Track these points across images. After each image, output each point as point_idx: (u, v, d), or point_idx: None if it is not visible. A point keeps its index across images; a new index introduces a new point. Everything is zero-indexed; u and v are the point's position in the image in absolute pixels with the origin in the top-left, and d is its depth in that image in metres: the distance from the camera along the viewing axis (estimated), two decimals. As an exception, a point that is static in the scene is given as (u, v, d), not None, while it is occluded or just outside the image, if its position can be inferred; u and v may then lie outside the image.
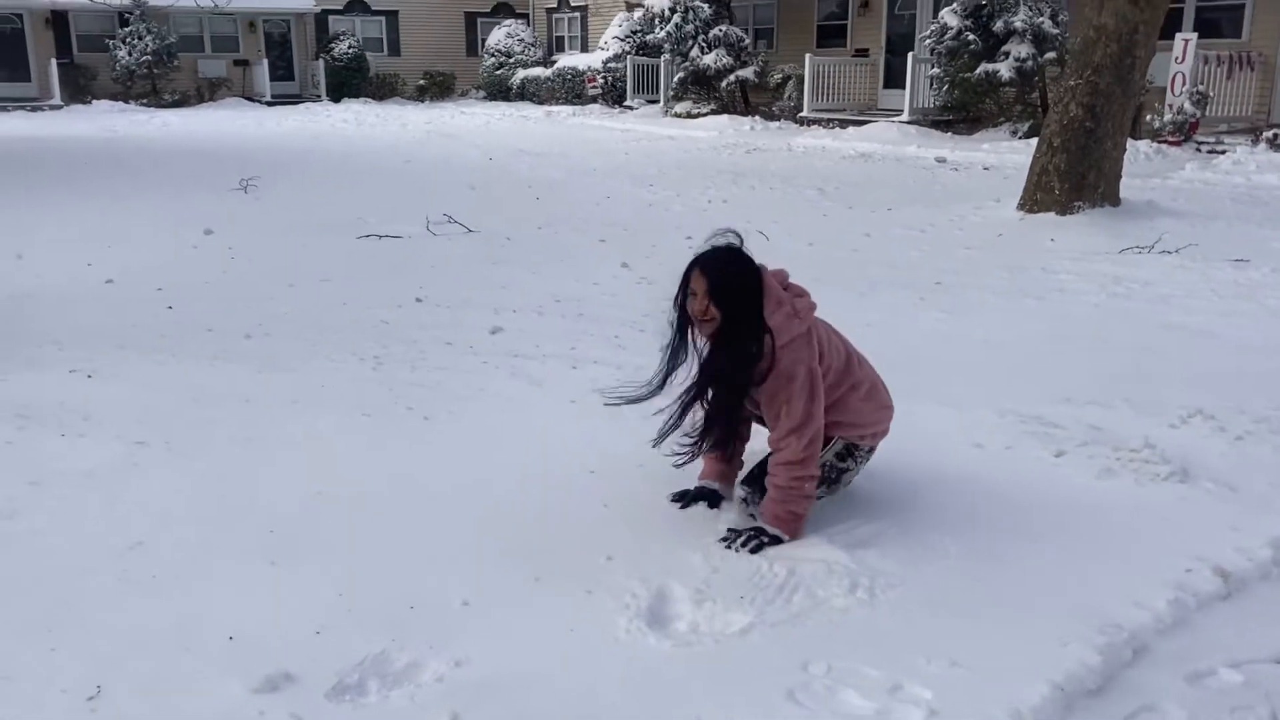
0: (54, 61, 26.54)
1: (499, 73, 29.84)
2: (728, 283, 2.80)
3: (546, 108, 26.06)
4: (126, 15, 26.59)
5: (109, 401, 4.05)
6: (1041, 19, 15.57)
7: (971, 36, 15.80)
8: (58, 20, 27.40)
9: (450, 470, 3.41)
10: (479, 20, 32.80)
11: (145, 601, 2.54)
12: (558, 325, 5.41)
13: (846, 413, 2.98)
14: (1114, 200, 8.74)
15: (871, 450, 3.12)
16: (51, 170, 12.86)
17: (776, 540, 2.81)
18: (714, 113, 21.19)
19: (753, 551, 2.77)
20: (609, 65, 25.81)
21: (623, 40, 25.35)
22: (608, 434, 3.63)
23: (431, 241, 7.87)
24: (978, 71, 15.79)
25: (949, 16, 16.09)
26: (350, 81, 29.56)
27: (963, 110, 16.83)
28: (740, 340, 2.80)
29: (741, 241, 2.89)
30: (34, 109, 25.34)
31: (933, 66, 16.92)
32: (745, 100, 21.81)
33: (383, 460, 3.51)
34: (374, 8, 31.75)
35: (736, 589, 2.58)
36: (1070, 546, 2.85)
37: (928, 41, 16.83)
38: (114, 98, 26.59)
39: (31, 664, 2.28)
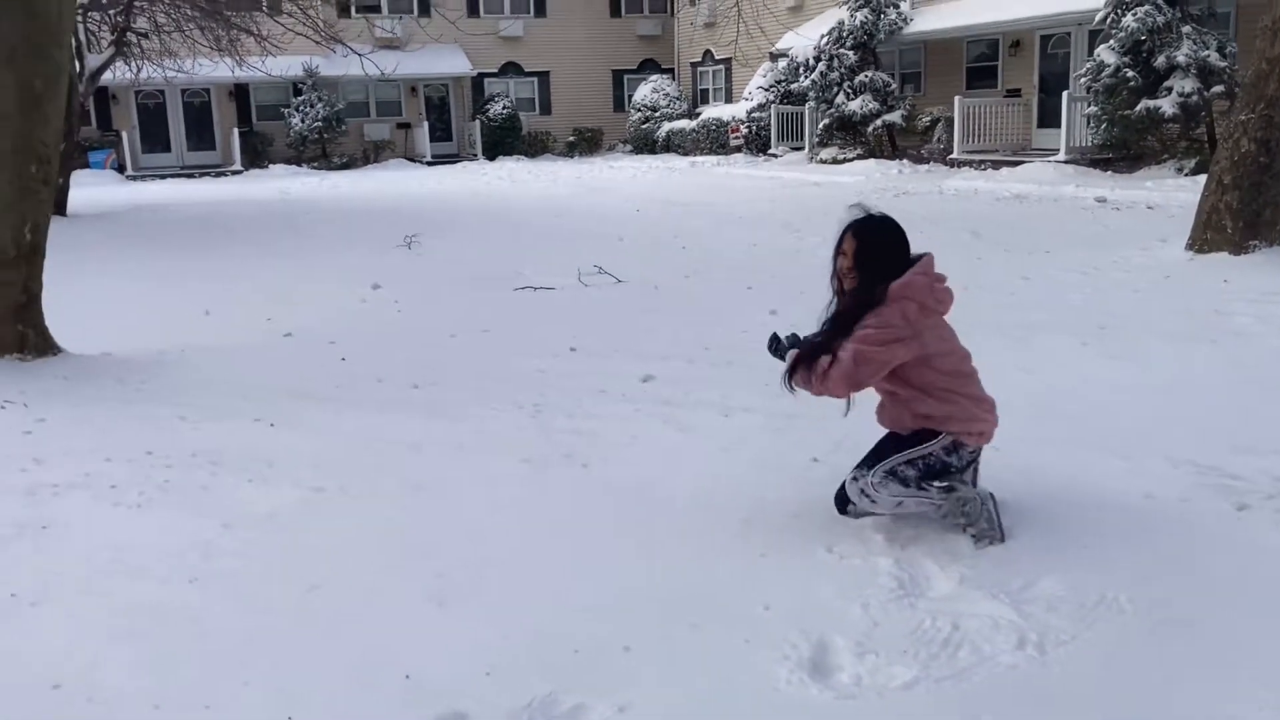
0: (236, 130, 28.48)
1: (645, 126, 30.41)
2: (873, 248, 3.23)
3: (691, 159, 26.39)
4: (300, 85, 28.31)
5: (289, 449, 4.30)
6: (1207, 52, 14.95)
7: (1130, 73, 15.28)
8: (239, 93, 29.37)
9: (607, 517, 3.48)
10: (626, 77, 33.56)
11: (326, 640, 2.68)
12: (708, 373, 5.46)
13: (958, 407, 3.21)
14: (1294, 238, 8.27)
15: (974, 453, 3.29)
16: (233, 231, 13.76)
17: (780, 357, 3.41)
18: (860, 157, 21.06)
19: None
20: (753, 115, 25.99)
21: (767, 90, 25.52)
22: (761, 482, 3.64)
23: (583, 292, 8.06)
24: (1138, 108, 15.24)
25: (1106, 53, 15.62)
26: (504, 140, 30.64)
27: (1123, 148, 16.24)
28: (870, 294, 3.19)
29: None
30: (218, 174, 27.22)
31: (1089, 104, 16.43)
32: (893, 144, 21.60)
33: (543, 506, 3.62)
34: (527, 69, 32.88)
35: (899, 642, 2.55)
36: (1258, 609, 2.70)
37: (1084, 80, 16.37)
38: (288, 162, 28.29)
39: (228, 696, 2.44)
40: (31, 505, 3.76)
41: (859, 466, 3.25)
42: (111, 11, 16.83)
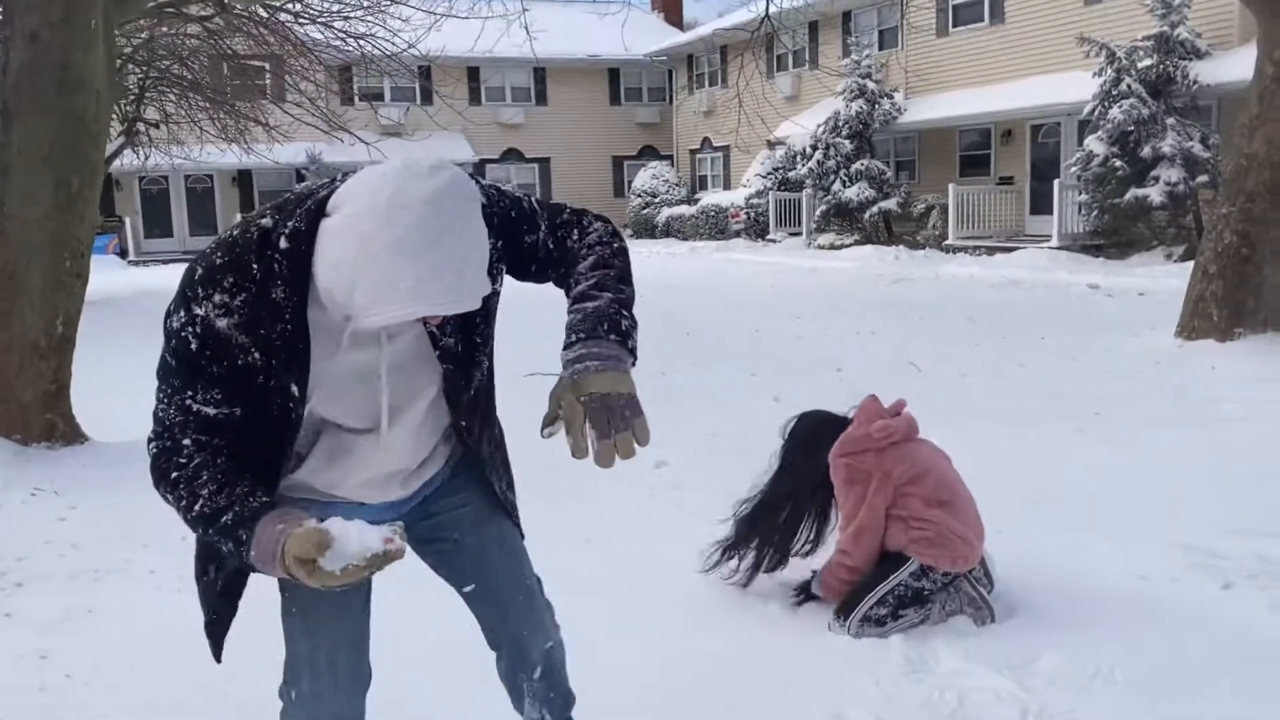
0: (239, 216, 28.99)
1: (645, 212, 31.05)
2: (789, 446, 3.66)
3: (691, 244, 26.91)
4: (303, 172, 28.95)
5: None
6: (1191, 143, 15.48)
7: (1119, 163, 15.79)
8: (243, 178, 30.02)
9: (630, 604, 3.65)
10: (625, 163, 34.36)
11: None
12: (717, 461, 5.65)
13: (933, 533, 3.32)
14: (1277, 326, 8.56)
15: (951, 578, 3.32)
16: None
17: (815, 597, 3.50)
18: (857, 244, 21.53)
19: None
20: (751, 201, 26.59)
21: (764, 177, 26.16)
22: (775, 565, 3.82)
23: (592, 378, 8.28)
24: (1127, 196, 15.72)
25: (1094, 144, 16.15)
26: (505, 225, 31.22)
27: (1113, 235, 16.70)
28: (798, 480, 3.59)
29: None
30: (222, 259, 27.64)
31: (1080, 192, 16.92)
32: (889, 230, 22.10)
33: (566, 594, 3.77)
34: (528, 155, 33.66)
35: (911, 714, 2.72)
36: (1243, 682, 2.88)
37: (1074, 168, 16.88)
38: (292, 246, 28.76)
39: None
40: (76, 590, 3.93)
41: (836, 612, 3.34)
42: (123, 102, 17.37)
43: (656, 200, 30.96)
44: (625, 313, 1.79)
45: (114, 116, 18.01)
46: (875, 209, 21.71)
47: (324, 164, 28.68)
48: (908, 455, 3.43)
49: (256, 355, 1.70)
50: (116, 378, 8.91)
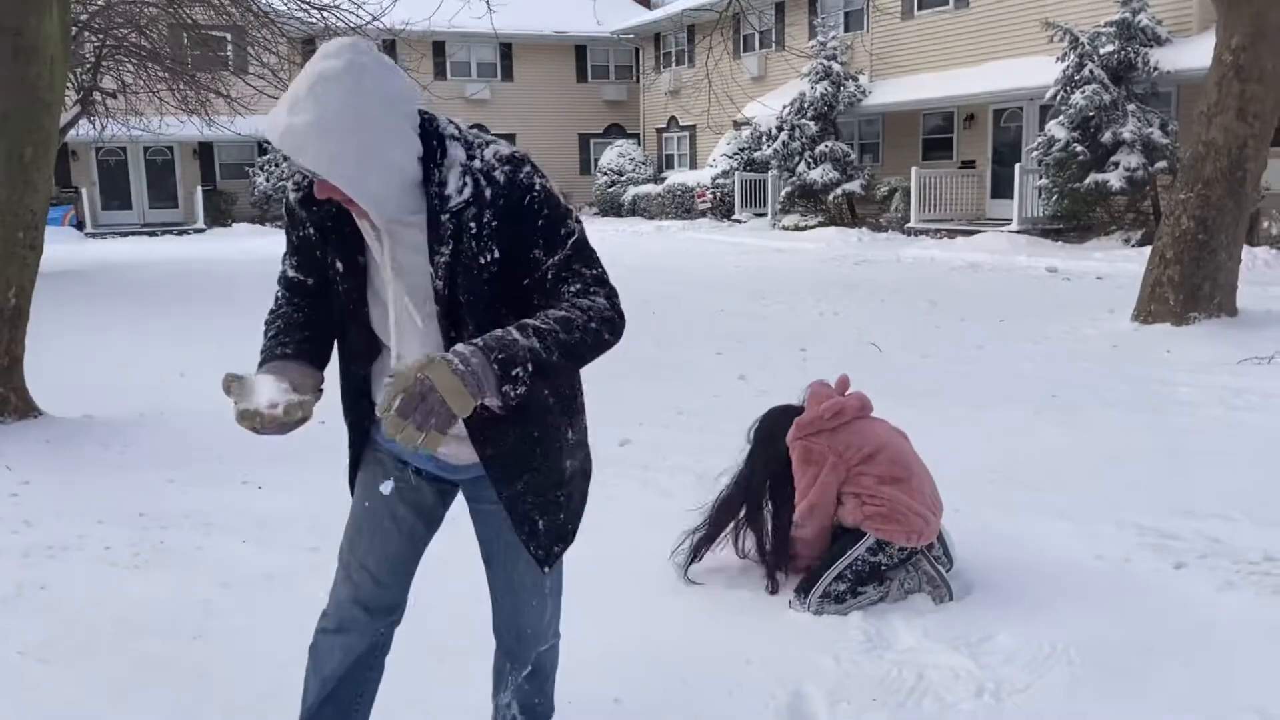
0: (199, 189, 28.59)
1: (611, 190, 30.95)
2: (755, 441, 3.70)
3: (657, 223, 26.88)
4: (265, 145, 28.55)
5: (280, 511, 4.44)
6: (1151, 129, 15.66)
7: (1079, 148, 15.93)
8: (204, 151, 29.55)
9: (591, 577, 3.65)
10: (592, 141, 34.20)
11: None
12: (683, 438, 5.68)
13: (887, 508, 3.38)
14: (1231, 310, 8.71)
15: (908, 554, 3.38)
16: (204, 290, 13.85)
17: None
18: (821, 225, 21.61)
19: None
20: (717, 181, 26.59)
21: (730, 157, 26.15)
22: (737, 543, 3.84)
23: (555, 357, 8.26)
24: (1087, 181, 15.88)
25: (1056, 129, 16.28)
26: (469, 201, 31.01)
27: (1073, 219, 16.87)
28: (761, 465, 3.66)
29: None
30: (180, 232, 27.26)
31: (1041, 177, 17.07)
32: (852, 212, 22.20)
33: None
34: (493, 132, 33.13)
35: (868, 691, 2.76)
36: (1193, 660, 2.95)
37: (1035, 153, 17.02)
38: (252, 220, 28.41)
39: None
40: (28, 566, 3.88)
41: (796, 590, 3.40)
42: (78, 70, 17.00)
43: (623, 179, 30.87)
44: (529, 365, 1.79)
45: (69, 85, 17.65)
46: (839, 191, 21.79)
47: (285, 137, 28.27)
48: (860, 433, 3.50)
49: (312, 230, 2.02)
50: (71, 351, 8.79)
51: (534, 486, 2.11)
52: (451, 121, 1.99)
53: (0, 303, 6.04)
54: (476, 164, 1.92)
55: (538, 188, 1.93)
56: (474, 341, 1.78)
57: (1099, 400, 6.32)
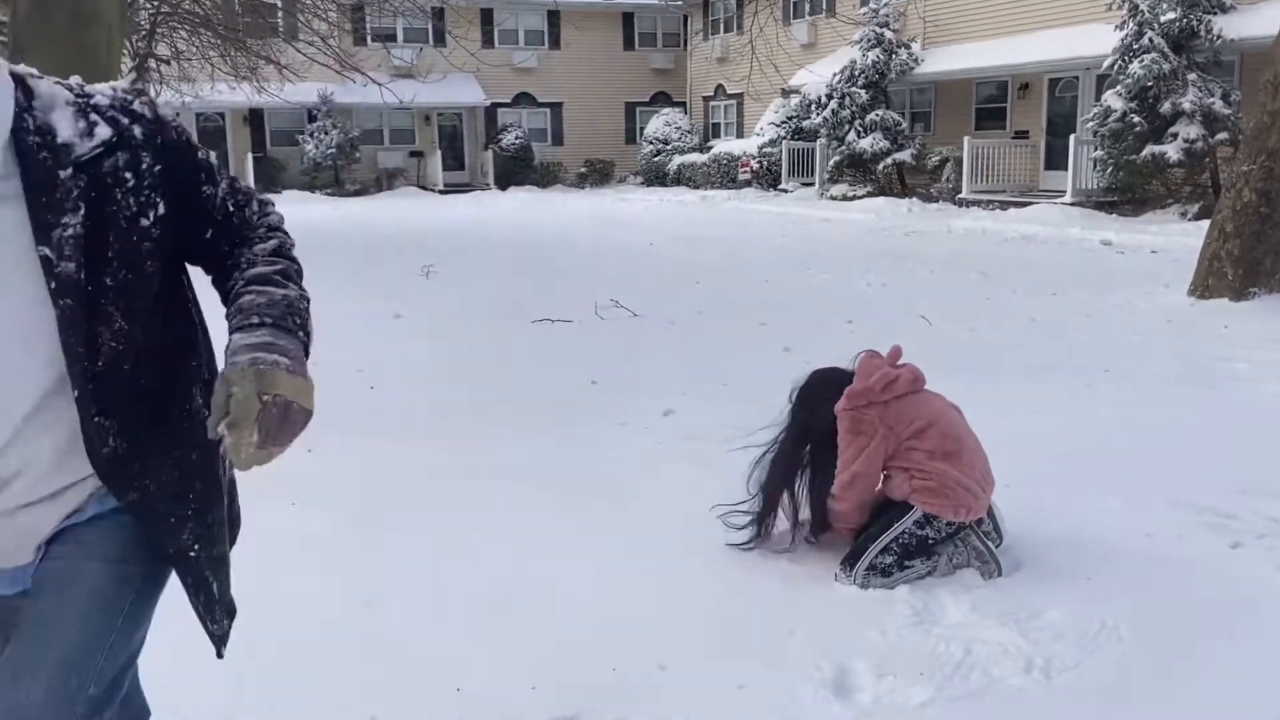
0: (250, 155, 28.89)
1: (656, 159, 30.82)
2: (799, 399, 3.63)
3: (702, 192, 26.74)
4: (315, 112, 28.75)
5: (326, 474, 4.49)
6: (1212, 99, 15.28)
7: (1137, 119, 15.59)
8: (254, 118, 29.83)
9: (635, 546, 3.67)
10: (638, 109, 34.03)
11: (386, 654, 2.88)
12: (726, 409, 5.64)
13: (936, 483, 3.32)
14: (1294, 285, 8.50)
15: (955, 528, 3.33)
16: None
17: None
18: (870, 195, 21.38)
19: None
20: (764, 150, 26.37)
21: (778, 125, 25.91)
22: (783, 516, 3.83)
23: (600, 325, 8.27)
24: (1144, 153, 15.55)
25: (1113, 99, 15.94)
26: (516, 170, 31.07)
27: (1128, 192, 16.55)
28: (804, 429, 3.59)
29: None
30: (231, 199, 27.56)
31: (1096, 148, 16.74)
32: (902, 182, 21.93)
33: (572, 534, 3.81)
34: (540, 100, 33.36)
35: (915, 665, 2.74)
36: (1250, 641, 2.89)
37: (1091, 124, 16.68)
38: (301, 188, 28.66)
39: (304, 704, 2.63)
40: (87, 523, 3.96)
41: (842, 562, 3.36)
42: (134, 37, 17.20)
43: (668, 147, 30.72)
44: (308, 320, 1.56)
45: (125, 52, 17.86)
46: (889, 160, 21.53)
47: (335, 104, 28.46)
48: (913, 407, 3.44)
49: None
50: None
51: (188, 479, 1.64)
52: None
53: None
54: (101, 100, 1.49)
55: (172, 122, 1.56)
56: (254, 319, 1.47)
57: (1153, 375, 6.21)
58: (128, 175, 1.48)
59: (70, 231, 1.42)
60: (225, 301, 1.60)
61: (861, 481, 3.42)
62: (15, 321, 1.43)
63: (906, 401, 3.45)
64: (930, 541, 3.34)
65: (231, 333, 1.49)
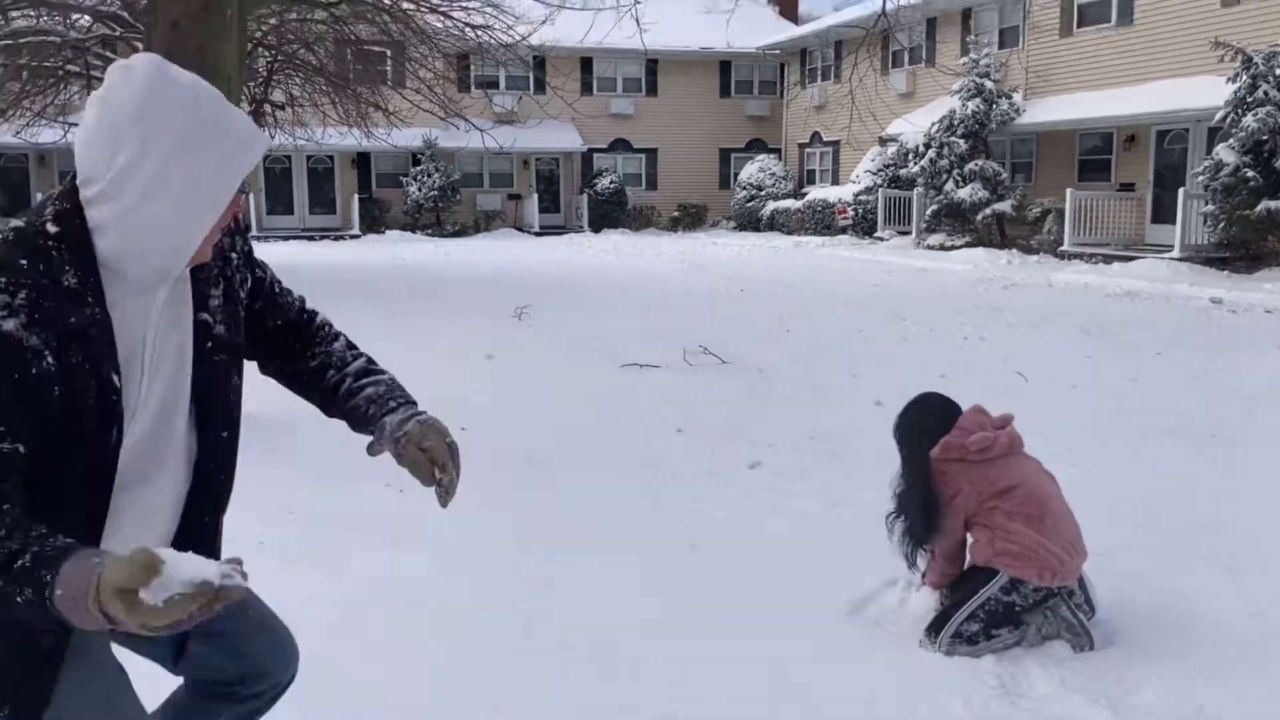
0: (356, 196, 29.82)
1: (750, 205, 30.90)
2: (903, 430, 3.56)
3: (795, 238, 26.68)
4: (419, 156, 29.57)
5: (417, 516, 4.55)
6: (1331, 154, 14.74)
7: (1251, 173, 15.11)
8: (361, 160, 30.79)
9: (717, 599, 3.66)
10: (733, 155, 34.22)
11: (466, 699, 2.92)
12: (814, 462, 5.61)
13: (1020, 546, 3.25)
14: None
15: (1043, 594, 3.24)
16: (356, 294, 14.40)
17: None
18: (968, 245, 21.07)
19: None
20: (859, 197, 26.23)
21: (874, 173, 25.78)
22: (866, 575, 3.78)
23: (688, 372, 8.28)
24: (1258, 209, 15.05)
25: (1225, 153, 15.49)
26: (610, 214, 31.45)
27: (1241, 248, 16.00)
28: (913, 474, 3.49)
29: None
30: (337, 238, 28.48)
31: (1206, 203, 16.25)
32: (1002, 233, 21.57)
33: (655, 585, 3.81)
34: (635, 146, 33.78)
35: (1001, 740, 2.67)
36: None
37: (1201, 178, 16.22)
38: (403, 228, 29.46)
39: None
40: (188, 555, 4.10)
41: (927, 629, 3.31)
42: (251, 84, 17.96)
43: (762, 193, 30.78)
44: None
45: (243, 98, 18.67)
46: (988, 210, 21.21)
47: (438, 148, 29.24)
48: (1003, 468, 3.39)
49: (50, 362, 1.45)
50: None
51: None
52: None
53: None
54: None
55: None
56: (392, 402, 1.84)
57: (1263, 442, 5.97)
58: (234, 255, 1.75)
59: (216, 301, 1.69)
60: (306, 384, 1.94)
61: (948, 539, 3.40)
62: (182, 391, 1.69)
63: (996, 464, 3.39)
64: (1017, 609, 3.26)
65: (381, 416, 1.83)
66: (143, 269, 1.54)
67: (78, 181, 1.51)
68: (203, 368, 1.67)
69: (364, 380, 1.88)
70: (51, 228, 1.50)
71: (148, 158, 1.45)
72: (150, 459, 1.63)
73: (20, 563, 1.34)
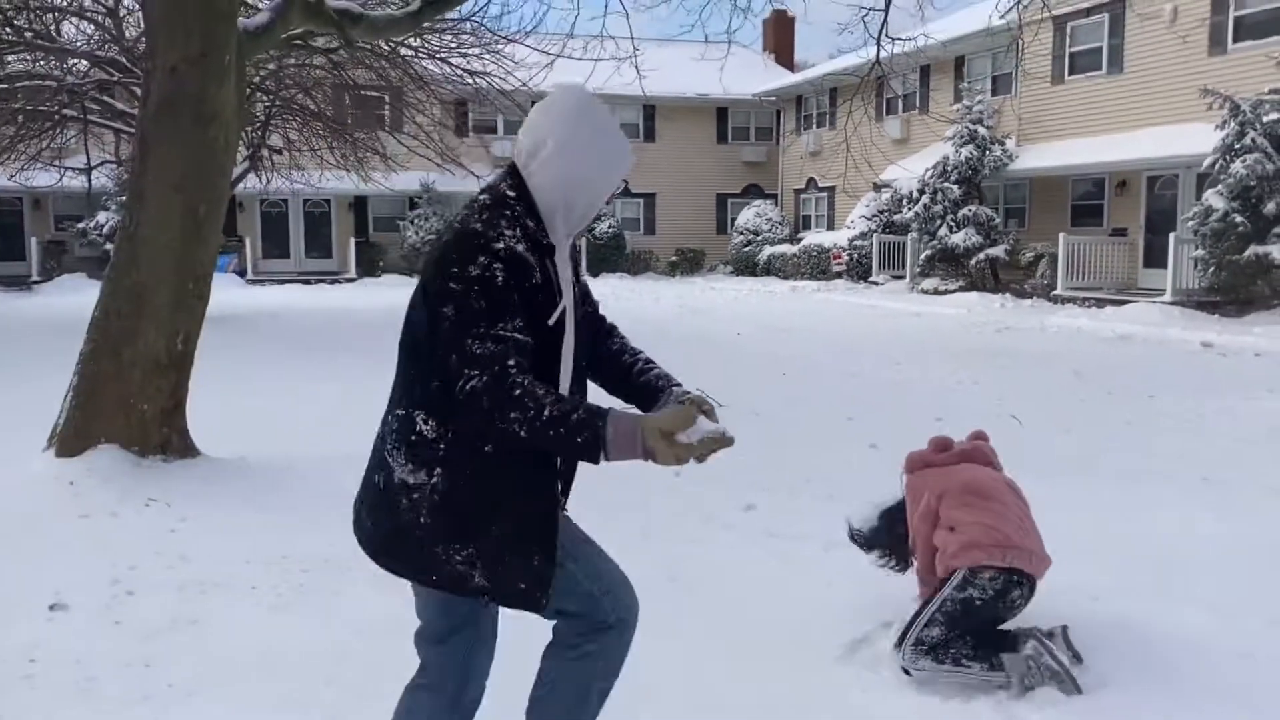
0: (352, 240, 29.95)
1: (746, 249, 31.10)
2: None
3: (792, 283, 26.83)
4: (416, 199, 29.77)
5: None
6: (1319, 200, 14.91)
7: (1239, 218, 15.27)
8: (358, 204, 31.00)
9: (712, 641, 3.66)
10: (729, 200, 34.49)
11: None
12: (809, 505, 5.62)
13: (968, 536, 3.35)
14: None
15: (1002, 581, 3.28)
16: (352, 340, 14.44)
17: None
18: (962, 290, 21.20)
19: None
20: (854, 242, 26.42)
21: (869, 219, 25.99)
22: (860, 619, 3.78)
23: (686, 416, 8.29)
24: (1246, 254, 15.19)
25: (1214, 198, 15.66)
26: (609, 258, 31.60)
27: (1231, 292, 16.12)
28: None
29: None
30: (333, 281, 28.59)
31: (1197, 247, 16.40)
32: (995, 278, 21.72)
33: (650, 624, 3.80)
34: (634, 190, 34.02)
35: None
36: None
37: (1191, 223, 16.38)
38: (400, 272, 29.53)
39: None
40: (183, 600, 4.11)
41: (895, 644, 3.35)
42: (249, 129, 18.13)
43: (758, 238, 30.99)
44: None
45: (240, 142, 18.82)
46: (982, 255, 21.36)
47: (436, 192, 29.44)
48: (963, 471, 3.56)
49: (538, 275, 2.15)
50: (229, 395, 9.27)
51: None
52: None
53: (169, 349, 6.40)
54: None
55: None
56: (669, 380, 2.42)
57: (1255, 485, 5.99)
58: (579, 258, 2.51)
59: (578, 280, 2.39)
60: (605, 360, 2.55)
61: (918, 544, 3.57)
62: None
63: (960, 467, 3.56)
64: (978, 603, 3.27)
65: (670, 386, 2.40)
66: (568, 220, 2.23)
67: (520, 160, 2.22)
68: (578, 308, 2.32)
69: (650, 364, 2.46)
70: (510, 192, 2.21)
71: (577, 139, 2.18)
72: (567, 356, 2.25)
73: (576, 415, 1.99)
